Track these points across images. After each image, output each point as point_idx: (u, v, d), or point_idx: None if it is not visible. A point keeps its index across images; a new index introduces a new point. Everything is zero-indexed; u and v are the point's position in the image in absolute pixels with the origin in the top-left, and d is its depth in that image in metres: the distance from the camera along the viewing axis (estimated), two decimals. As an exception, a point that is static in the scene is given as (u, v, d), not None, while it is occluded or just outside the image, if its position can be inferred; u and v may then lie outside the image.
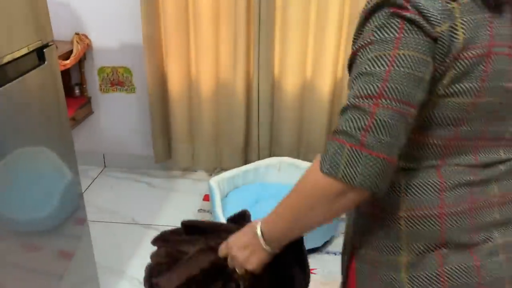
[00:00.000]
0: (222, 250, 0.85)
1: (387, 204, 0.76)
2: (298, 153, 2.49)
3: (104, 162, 2.78)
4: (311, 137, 2.42)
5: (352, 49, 0.71)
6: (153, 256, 0.98)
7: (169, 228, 1.02)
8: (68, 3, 2.35)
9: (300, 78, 2.32)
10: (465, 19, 0.65)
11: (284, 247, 0.80)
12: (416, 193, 0.74)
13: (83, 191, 1.66)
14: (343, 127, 0.65)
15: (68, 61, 2.22)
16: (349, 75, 0.72)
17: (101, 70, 2.52)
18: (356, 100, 0.65)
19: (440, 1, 0.64)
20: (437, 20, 0.64)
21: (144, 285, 0.95)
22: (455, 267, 0.73)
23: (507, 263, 0.75)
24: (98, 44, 2.45)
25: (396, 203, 0.75)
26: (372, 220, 0.79)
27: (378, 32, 0.66)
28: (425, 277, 0.74)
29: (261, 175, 2.37)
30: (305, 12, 2.18)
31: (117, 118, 2.64)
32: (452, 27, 0.65)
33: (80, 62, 2.43)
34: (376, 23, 0.66)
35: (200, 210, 2.31)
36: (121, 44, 2.45)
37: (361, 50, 0.68)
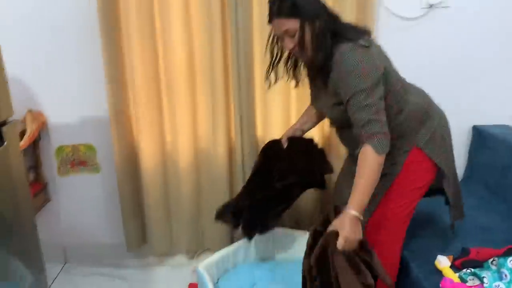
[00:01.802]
0: (340, 244, 1.28)
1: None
2: (292, 223, 2.21)
3: (65, 257, 2.38)
4: (307, 205, 2.16)
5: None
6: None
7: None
8: (19, 78, 2.09)
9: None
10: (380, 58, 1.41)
11: None
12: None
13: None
14: (374, 129, 1.32)
15: (22, 143, 1.91)
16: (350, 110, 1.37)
17: (60, 149, 2.21)
18: (371, 116, 1.32)
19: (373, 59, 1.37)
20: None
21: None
22: None
23: None
24: (55, 121, 2.17)
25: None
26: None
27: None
28: None
29: (253, 252, 2.06)
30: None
31: (79, 203, 2.29)
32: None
33: (35, 143, 2.13)
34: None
35: (186, 303, 1.94)
36: (82, 119, 2.18)
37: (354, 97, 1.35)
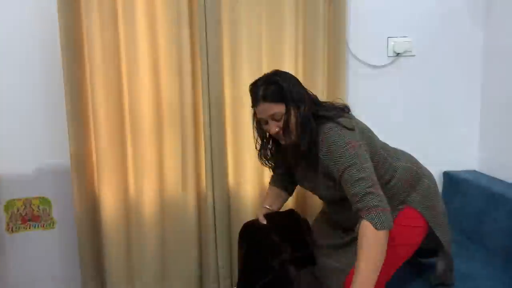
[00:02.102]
0: None
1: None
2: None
3: (10, 328, 2.09)
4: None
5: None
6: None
7: None
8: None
9: (258, 187, 2.02)
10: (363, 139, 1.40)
11: None
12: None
13: None
14: (372, 202, 1.26)
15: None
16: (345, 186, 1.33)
17: (10, 204, 2.00)
18: (367, 189, 1.28)
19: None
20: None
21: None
22: None
23: None
24: (4, 173, 1.97)
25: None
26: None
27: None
28: None
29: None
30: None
31: (31, 263, 2.05)
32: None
33: (-19, 196, 1.92)
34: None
35: None
36: (36, 171, 2.00)
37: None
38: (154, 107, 1.92)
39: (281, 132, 1.41)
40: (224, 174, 1.99)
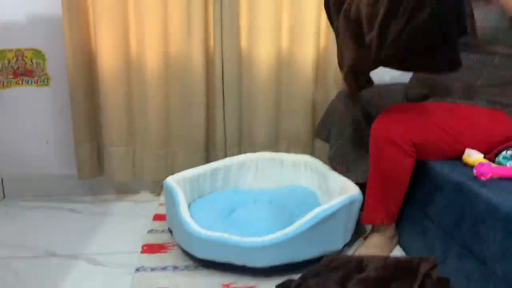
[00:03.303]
0: None
1: None
2: (276, 149, 1.91)
3: (3, 191, 1.97)
4: (292, 125, 1.87)
5: None
6: None
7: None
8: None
9: (274, 49, 1.81)
10: None
11: None
12: None
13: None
14: None
15: None
16: None
17: (0, 55, 1.83)
18: None
19: None
20: None
21: None
22: None
23: None
24: (-5, 17, 1.79)
25: None
26: None
27: None
28: None
29: (234, 178, 1.75)
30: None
31: (23, 124, 1.91)
32: None
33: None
34: None
35: (150, 231, 1.59)
36: (29, 18, 1.80)
37: None
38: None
39: None
40: (236, 34, 1.78)
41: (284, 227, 1.26)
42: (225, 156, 1.87)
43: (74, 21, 1.72)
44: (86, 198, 1.96)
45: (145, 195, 2.00)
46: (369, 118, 1.49)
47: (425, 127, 1.24)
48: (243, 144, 1.90)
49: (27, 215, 1.79)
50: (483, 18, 1.23)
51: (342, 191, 1.47)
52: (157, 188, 1.97)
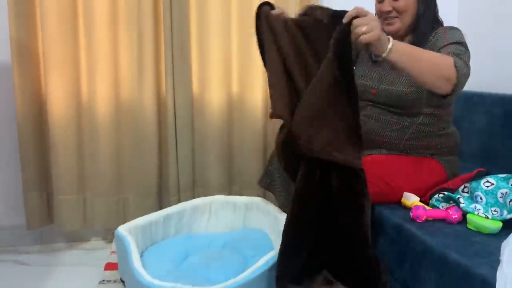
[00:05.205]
0: (358, 12, 1.05)
1: None
2: (229, 191, 1.94)
3: None
4: (244, 167, 1.92)
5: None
6: None
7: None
8: None
9: (225, 94, 1.88)
10: None
11: None
12: None
13: None
14: (464, 59, 1.22)
15: None
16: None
17: None
18: (461, 56, 1.23)
19: None
20: None
21: None
22: None
23: None
24: None
25: None
26: None
27: None
28: None
29: (187, 223, 1.75)
30: (225, 8, 1.82)
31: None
32: None
33: None
34: None
35: (102, 282, 1.56)
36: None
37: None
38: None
39: (392, 12, 1.35)
40: (188, 79, 1.83)
41: (238, 272, 1.28)
42: (179, 200, 1.88)
43: (24, 68, 1.71)
44: (35, 248, 1.89)
45: (96, 243, 1.96)
46: None
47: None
48: (197, 187, 1.92)
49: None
50: (407, 86, 1.35)
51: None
52: (109, 235, 1.94)
